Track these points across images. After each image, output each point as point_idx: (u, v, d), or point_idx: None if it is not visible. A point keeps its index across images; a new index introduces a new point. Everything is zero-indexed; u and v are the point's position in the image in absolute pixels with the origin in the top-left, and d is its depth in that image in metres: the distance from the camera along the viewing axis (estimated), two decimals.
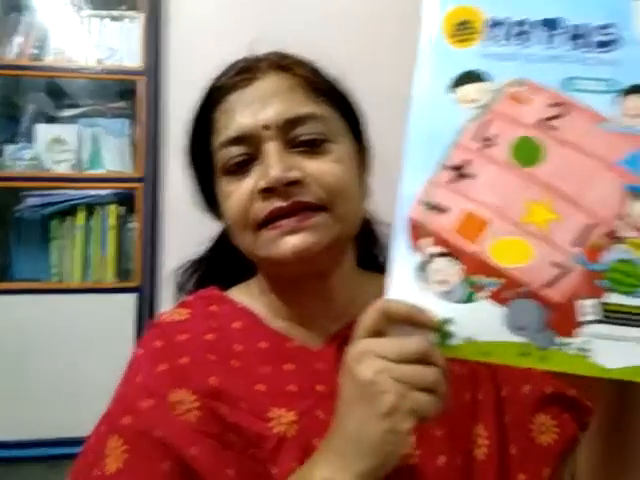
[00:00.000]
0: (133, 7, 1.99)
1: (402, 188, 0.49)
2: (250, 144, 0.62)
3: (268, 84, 0.64)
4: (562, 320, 0.46)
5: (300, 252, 0.59)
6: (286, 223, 0.60)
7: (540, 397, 0.63)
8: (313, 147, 0.62)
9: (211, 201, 0.69)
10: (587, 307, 0.46)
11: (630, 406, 0.53)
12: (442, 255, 0.48)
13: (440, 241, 0.48)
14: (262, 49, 0.70)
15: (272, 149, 0.61)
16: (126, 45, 1.94)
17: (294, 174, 0.60)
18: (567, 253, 0.46)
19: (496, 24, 0.49)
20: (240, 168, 0.62)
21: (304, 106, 0.63)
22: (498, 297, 0.47)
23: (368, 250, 0.75)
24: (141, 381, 0.62)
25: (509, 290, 0.47)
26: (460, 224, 0.48)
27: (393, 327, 0.47)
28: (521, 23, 0.49)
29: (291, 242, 0.59)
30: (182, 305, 0.69)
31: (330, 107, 0.65)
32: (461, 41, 0.50)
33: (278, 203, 0.60)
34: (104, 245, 1.83)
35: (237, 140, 0.62)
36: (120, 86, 2.01)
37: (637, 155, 0.46)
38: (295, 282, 0.64)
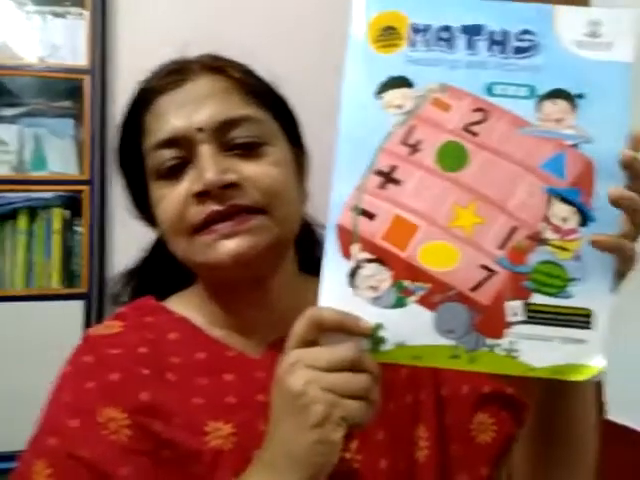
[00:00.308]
0: (78, 3, 1.93)
1: (332, 194, 0.49)
2: (183, 147, 0.60)
3: (201, 86, 0.62)
4: (490, 322, 0.47)
5: (238, 255, 0.58)
6: (223, 227, 0.58)
7: (479, 396, 0.64)
8: (249, 150, 0.61)
9: (144, 207, 0.67)
10: (514, 308, 0.47)
11: (554, 406, 0.55)
12: (372, 261, 0.48)
13: (370, 247, 0.48)
14: (199, 52, 0.69)
15: (206, 152, 0.59)
16: (71, 42, 1.88)
17: (230, 177, 0.58)
18: (492, 256, 0.47)
19: (421, 30, 0.50)
20: (173, 172, 0.61)
21: (239, 108, 0.62)
22: (427, 301, 0.47)
23: (310, 254, 0.75)
24: (68, 400, 0.60)
25: (437, 294, 0.47)
26: (389, 229, 0.48)
27: (326, 335, 0.47)
28: (445, 29, 0.50)
29: (228, 246, 0.58)
30: (115, 317, 0.67)
31: (265, 110, 0.64)
32: (386, 46, 0.50)
33: (214, 207, 0.58)
34: (48, 250, 1.77)
35: (169, 143, 0.61)
36: (65, 85, 1.94)
37: (557, 158, 0.48)
38: (234, 289, 0.63)
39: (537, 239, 0.47)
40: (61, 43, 1.87)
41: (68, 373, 0.62)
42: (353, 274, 0.48)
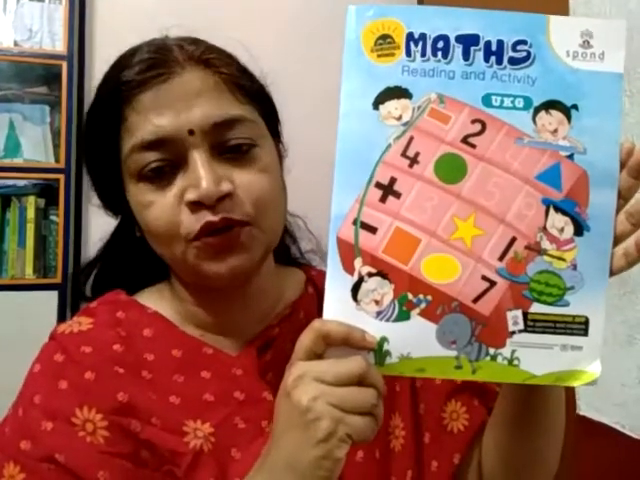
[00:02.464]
0: None
1: (332, 208, 0.49)
2: (171, 149, 0.56)
3: (189, 82, 0.57)
4: (492, 332, 0.48)
5: (236, 270, 0.57)
6: (215, 241, 0.56)
7: (452, 386, 0.66)
8: (240, 153, 0.58)
9: (113, 200, 0.64)
10: (514, 318, 0.48)
11: (531, 400, 0.58)
12: (374, 274, 0.48)
13: (371, 260, 0.48)
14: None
15: (200, 158, 0.56)
16: (48, 27, 1.83)
17: (226, 187, 0.56)
18: (492, 267, 0.48)
19: (417, 39, 0.49)
20: (158, 175, 0.57)
21: (232, 108, 0.58)
22: (430, 313, 0.48)
23: (280, 243, 0.71)
24: (40, 401, 0.57)
25: (440, 306, 0.48)
26: (390, 243, 0.49)
27: (330, 349, 0.48)
28: (441, 39, 0.49)
29: (225, 264, 0.57)
30: (84, 313, 0.64)
31: (254, 108, 0.61)
32: (383, 56, 0.49)
33: (208, 217, 0.56)
34: (22, 239, 1.74)
35: (155, 144, 0.56)
36: (41, 70, 1.89)
37: (553, 169, 0.48)
38: (215, 290, 0.61)
39: (535, 249, 0.48)
40: (37, 28, 1.82)
41: (37, 373, 0.59)
42: (356, 288, 0.48)
